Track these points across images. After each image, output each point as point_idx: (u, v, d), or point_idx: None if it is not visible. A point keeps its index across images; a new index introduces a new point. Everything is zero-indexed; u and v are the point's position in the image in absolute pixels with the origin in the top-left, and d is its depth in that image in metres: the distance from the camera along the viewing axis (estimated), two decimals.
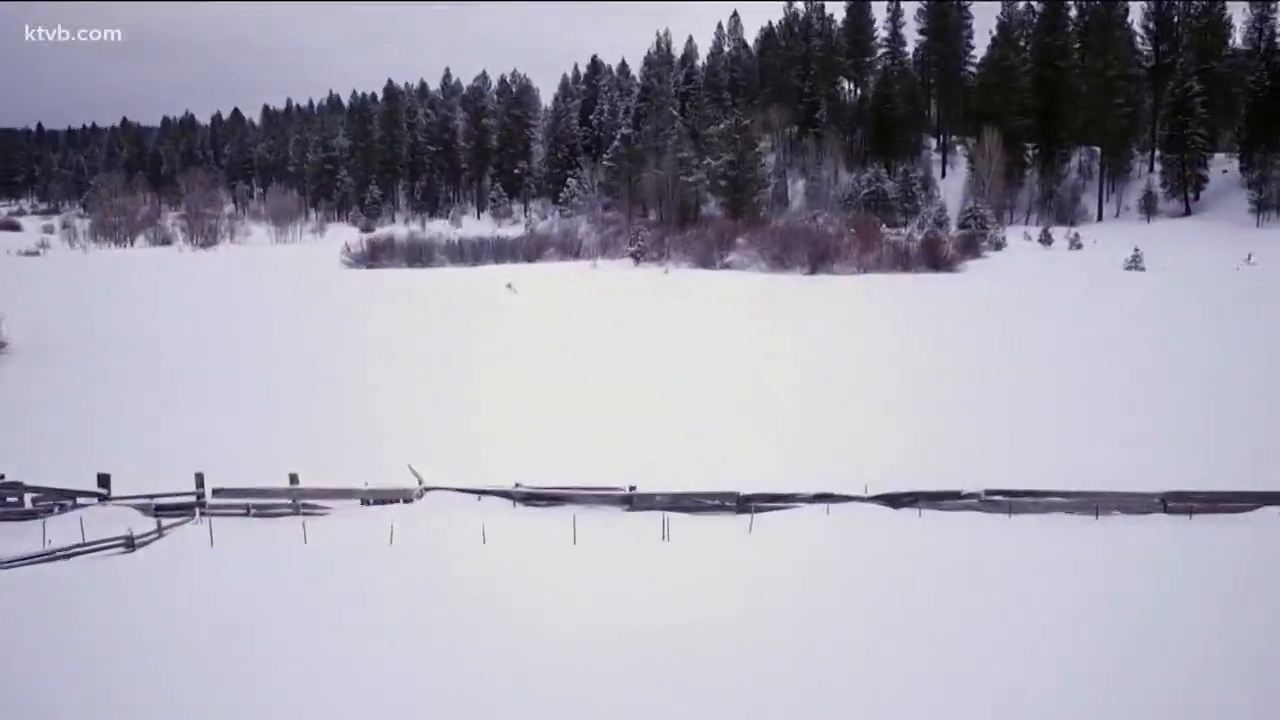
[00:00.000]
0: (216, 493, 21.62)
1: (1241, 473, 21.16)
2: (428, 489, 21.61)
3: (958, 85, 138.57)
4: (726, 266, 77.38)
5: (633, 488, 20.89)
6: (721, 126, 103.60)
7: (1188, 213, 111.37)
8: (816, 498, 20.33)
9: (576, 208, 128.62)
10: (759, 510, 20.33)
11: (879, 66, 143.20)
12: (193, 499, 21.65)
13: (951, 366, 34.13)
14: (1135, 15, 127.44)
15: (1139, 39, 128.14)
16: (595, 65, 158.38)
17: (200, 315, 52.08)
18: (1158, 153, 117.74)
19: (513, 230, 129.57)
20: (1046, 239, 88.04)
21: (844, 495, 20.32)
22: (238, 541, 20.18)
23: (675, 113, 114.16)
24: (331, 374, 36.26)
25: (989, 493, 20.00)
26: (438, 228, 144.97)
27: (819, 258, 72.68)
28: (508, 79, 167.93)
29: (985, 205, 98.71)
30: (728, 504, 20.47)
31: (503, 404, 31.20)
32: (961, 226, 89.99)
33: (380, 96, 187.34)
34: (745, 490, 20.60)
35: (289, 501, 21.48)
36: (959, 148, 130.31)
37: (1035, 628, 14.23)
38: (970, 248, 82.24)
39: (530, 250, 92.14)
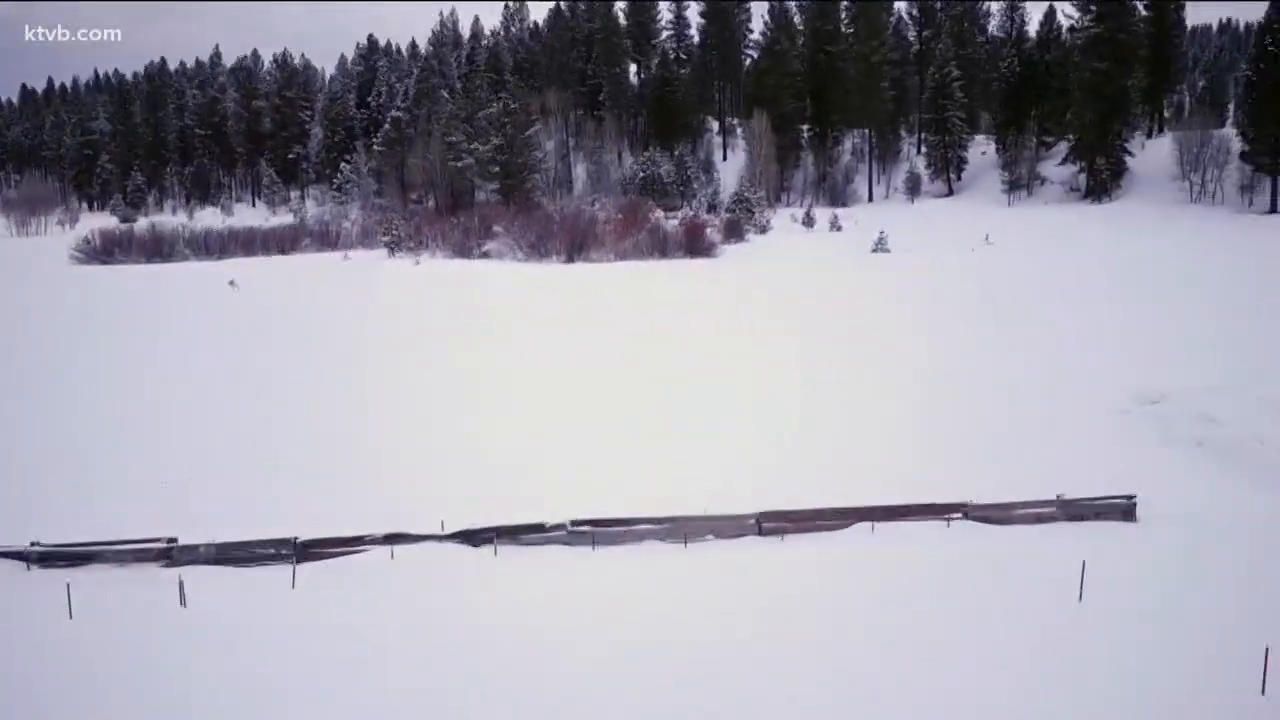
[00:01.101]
0: None
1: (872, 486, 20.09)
2: None
3: (736, 69, 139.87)
4: (485, 256, 74.53)
5: (172, 540, 17.88)
6: (491, 110, 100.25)
7: (950, 193, 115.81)
8: (387, 539, 17.89)
9: (351, 194, 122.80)
10: (322, 557, 17.76)
11: (664, 49, 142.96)
12: None
13: (614, 370, 31.85)
14: (903, 2, 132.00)
15: (906, 25, 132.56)
16: (373, 44, 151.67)
17: None
18: (923, 135, 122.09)
19: (287, 219, 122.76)
20: (809, 221, 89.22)
21: (418, 535, 17.97)
22: None
23: (447, 95, 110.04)
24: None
25: (575, 524, 18.06)
26: (208, 217, 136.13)
27: (576, 245, 70.78)
28: (278, 58, 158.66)
29: (756, 188, 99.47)
30: (284, 552, 17.74)
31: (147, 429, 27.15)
32: (728, 210, 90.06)
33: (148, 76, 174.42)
34: (306, 535, 17.93)
35: None
36: (740, 131, 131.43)
37: (596, 664, 13.42)
38: (734, 231, 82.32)
39: (284, 241, 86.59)
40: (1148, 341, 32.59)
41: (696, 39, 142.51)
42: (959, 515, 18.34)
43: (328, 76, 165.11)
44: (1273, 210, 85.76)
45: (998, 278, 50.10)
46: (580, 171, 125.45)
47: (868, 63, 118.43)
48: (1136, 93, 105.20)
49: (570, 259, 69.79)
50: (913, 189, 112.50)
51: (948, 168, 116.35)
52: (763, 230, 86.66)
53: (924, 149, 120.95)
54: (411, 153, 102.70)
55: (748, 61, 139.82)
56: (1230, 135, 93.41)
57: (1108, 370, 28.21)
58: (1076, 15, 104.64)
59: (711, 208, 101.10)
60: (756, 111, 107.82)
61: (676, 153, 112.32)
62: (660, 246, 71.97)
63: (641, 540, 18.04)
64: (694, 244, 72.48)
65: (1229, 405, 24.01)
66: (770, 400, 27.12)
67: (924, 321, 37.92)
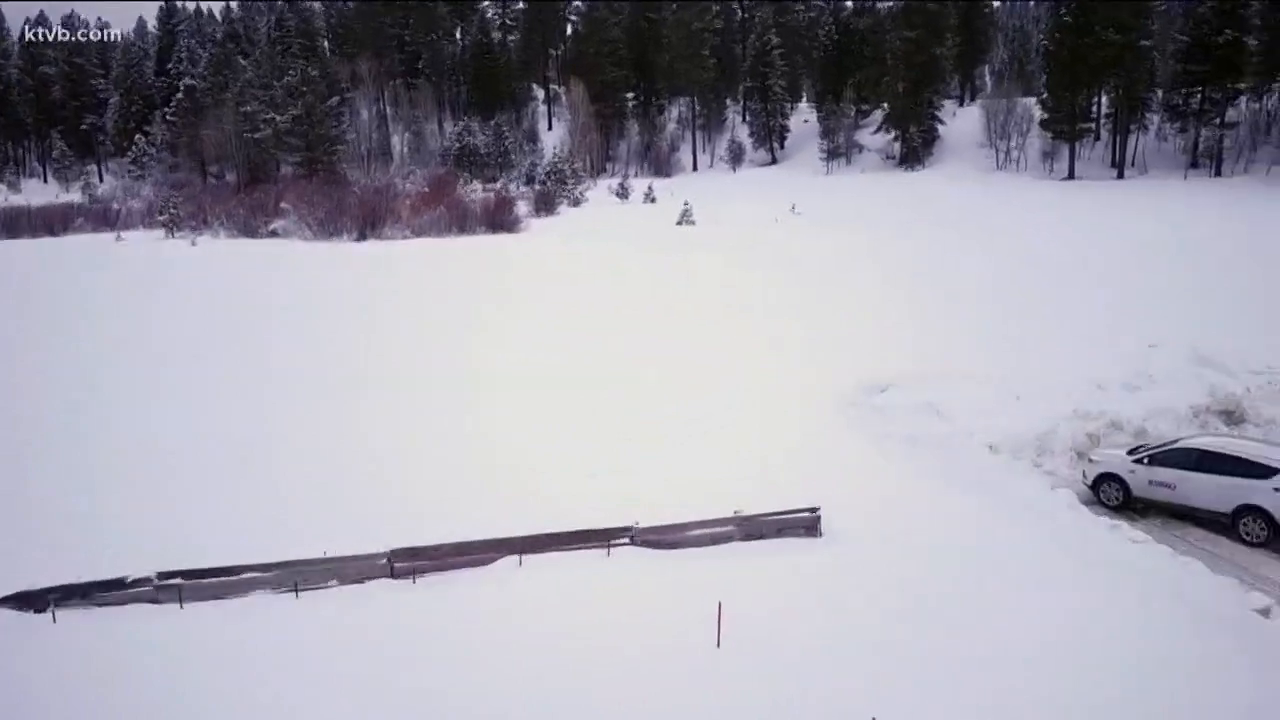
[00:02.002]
0: None
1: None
2: None
3: (560, 36, 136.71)
4: (272, 234, 69.58)
5: None
6: (286, 79, 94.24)
7: (774, 161, 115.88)
8: None
9: (149, 169, 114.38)
10: None
11: (488, 15, 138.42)
12: None
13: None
14: None
15: None
16: (170, 8, 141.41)
17: None
18: (747, 104, 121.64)
19: (79, 196, 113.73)
20: (623, 193, 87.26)
21: None
22: None
23: (244, 61, 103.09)
24: None
25: (162, 575, 15.09)
26: None
27: (368, 222, 66.70)
28: (66, 19, 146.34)
29: (574, 159, 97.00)
30: None
31: None
32: (540, 182, 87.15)
33: None
34: None
35: None
36: (565, 99, 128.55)
37: None
38: (546, 204, 79.56)
39: (55, 221, 79.17)
40: (905, 317, 31.40)
41: (521, 3, 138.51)
42: (625, 540, 16.18)
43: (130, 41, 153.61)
44: (1070, 176, 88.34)
45: (785, 251, 48.81)
46: (399, 143, 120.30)
47: (689, 30, 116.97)
48: (948, 61, 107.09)
49: (362, 236, 65.67)
50: (735, 158, 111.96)
51: (770, 136, 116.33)
52: (576, 203, 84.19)
53: (748, 117, 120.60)
54: (204, 124, 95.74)
55: (570, 28, 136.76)
56: (1033, 103, 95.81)
57: (848, 353, 26.66)
58: None
59: (530, 179, 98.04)
60: (573, 80, 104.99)
61: (494, 122, 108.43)
62: (460, 222, 68.53)
63: (249, 592, 15.22)
64: (497, 219, 69.33)
65: (958, 393, 22.71)
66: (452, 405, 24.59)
67: (687, 304, 35.91)
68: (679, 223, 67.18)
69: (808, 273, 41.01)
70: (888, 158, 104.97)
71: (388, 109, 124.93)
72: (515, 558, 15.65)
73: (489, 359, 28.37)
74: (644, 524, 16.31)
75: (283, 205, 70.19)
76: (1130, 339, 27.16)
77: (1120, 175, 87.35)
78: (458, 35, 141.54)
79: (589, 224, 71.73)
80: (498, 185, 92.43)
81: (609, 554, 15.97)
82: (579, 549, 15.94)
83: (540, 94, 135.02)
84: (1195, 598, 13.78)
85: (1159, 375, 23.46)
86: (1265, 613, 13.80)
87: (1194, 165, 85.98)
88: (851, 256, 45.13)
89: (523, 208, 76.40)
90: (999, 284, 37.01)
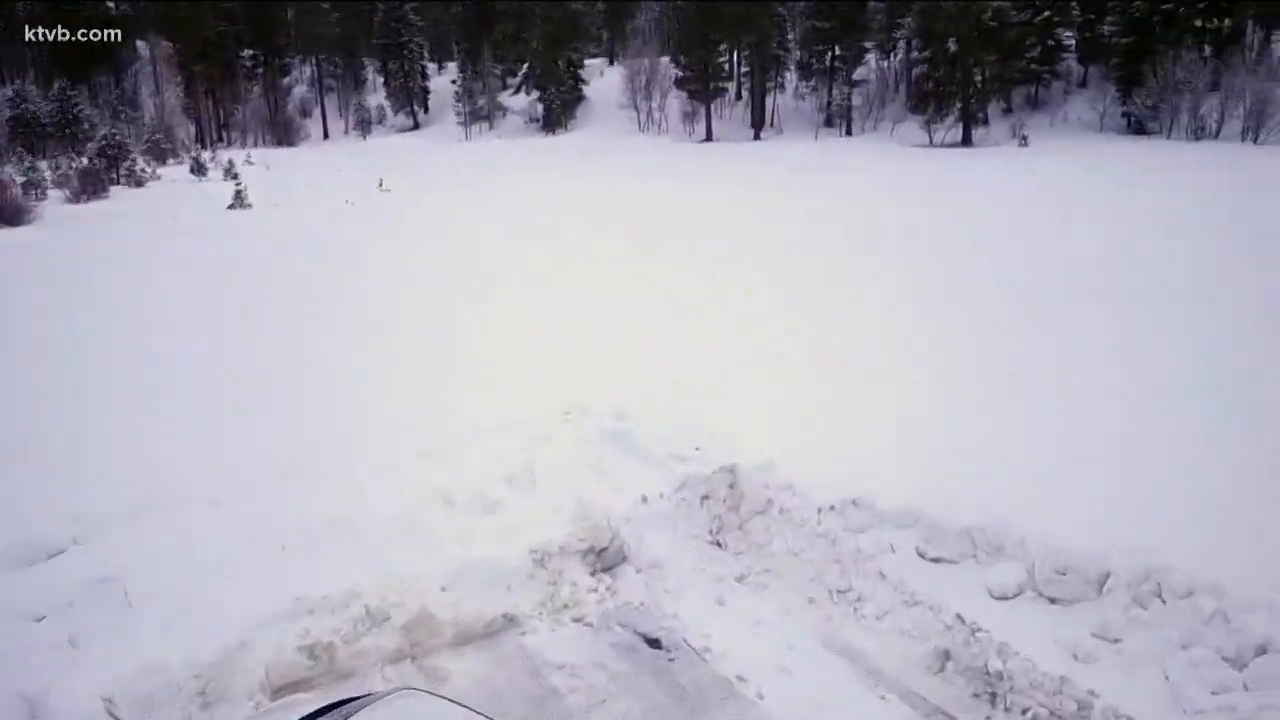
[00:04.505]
0: None
1: None
2: None
3: None
4: None
5: None
6: None
7: (416, 126, 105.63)
8: None
9: None
10: None
11: None
12: None
13: None
14: None
15: None
16: None
17: None
18: (384, 64, 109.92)
19: None
20: (200, 170, 74.13)
21: None
22: None
23: None
24: None
25: None
26: None
27: None
28: None
29: (159, 130, 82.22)
30: None
31: None
32: (90, 159, 72.04)
33: None
34: None
35: None
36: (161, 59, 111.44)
37: None
38: (93, 186, 65.11)
39: None
40: (312, 374, 21.97)
41: None
42: None
43: None
44: (708, 138, 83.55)
45: (318, 252, 38.58)
46: None
47: None
48: (591, 16, 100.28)
49: None
50: (364, 124, 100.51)
51: (411, 99, 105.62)
52: (140, 183, 70.13)
53: (387, 79, 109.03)
54: None
55: None
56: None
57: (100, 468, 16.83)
58: None
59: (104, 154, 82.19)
60: (152, 36, 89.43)
61: (57, 86, 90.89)
62: None
63: None
64: None
65: (197, 544, 13.38)
66: None
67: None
68: (231, 207, 55.41)
69: (275, 290, 30.90)
70: (530, 120, 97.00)
71: None
72: None
73: None
74: None
75: None
76: (572, 390, 18.86)
77: (757, 136, 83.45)
78: None
79: (130, 210, 58.12)
80: (60, 163, 76.33)
81: None
82: None
83: (148, 53, 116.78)
84: None
85: (543, 472, 15.23)
86: None
87: (827, 124, 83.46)
88: (356, 262, 35.49)
89: (57, 193, 62.21)
90: (479, 296, 28.36)
